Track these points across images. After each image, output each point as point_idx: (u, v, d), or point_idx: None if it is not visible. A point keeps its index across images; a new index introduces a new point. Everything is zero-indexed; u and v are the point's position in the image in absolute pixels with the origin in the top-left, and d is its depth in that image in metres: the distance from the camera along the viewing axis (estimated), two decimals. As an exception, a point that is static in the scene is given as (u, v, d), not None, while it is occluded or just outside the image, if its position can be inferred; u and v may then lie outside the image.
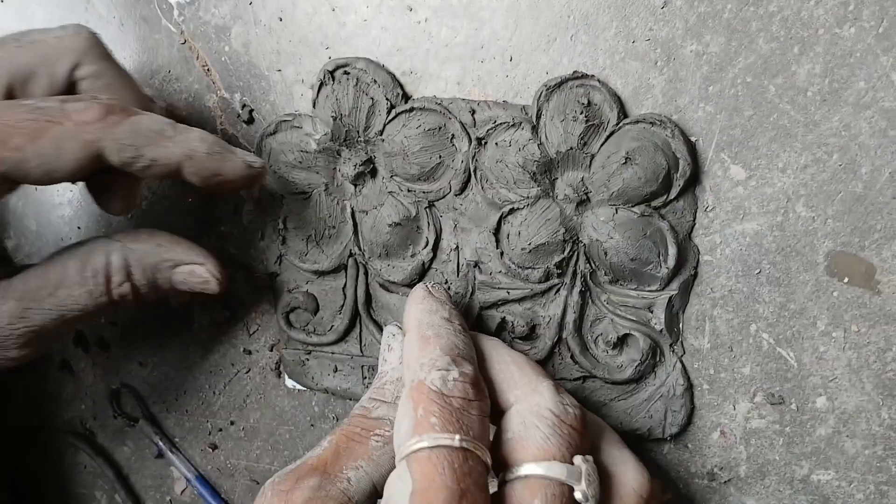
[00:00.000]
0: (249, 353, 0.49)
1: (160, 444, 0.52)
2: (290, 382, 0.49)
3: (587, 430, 0.34)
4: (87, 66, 0.39)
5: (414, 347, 0.35)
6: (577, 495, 0.32)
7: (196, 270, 0.41)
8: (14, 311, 0.38)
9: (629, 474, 0.35)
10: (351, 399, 0.48)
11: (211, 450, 0.52)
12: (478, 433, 0.32)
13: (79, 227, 0.50)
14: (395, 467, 0.32)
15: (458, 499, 0.30)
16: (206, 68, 0.47)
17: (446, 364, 0.34)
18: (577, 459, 0.32)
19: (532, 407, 0.34)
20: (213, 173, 0.38)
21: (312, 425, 0.49)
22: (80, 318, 0.40)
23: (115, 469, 0.54)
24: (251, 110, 0.47)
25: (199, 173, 0.38)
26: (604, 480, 0.34)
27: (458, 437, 0.31)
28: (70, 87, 0.39)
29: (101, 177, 0.39)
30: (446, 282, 0.44)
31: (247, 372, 0.50)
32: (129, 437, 0.53)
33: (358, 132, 0.44)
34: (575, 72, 0.41)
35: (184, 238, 0.42)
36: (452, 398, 0.32)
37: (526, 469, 0.32)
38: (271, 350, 0.49)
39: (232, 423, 0.51)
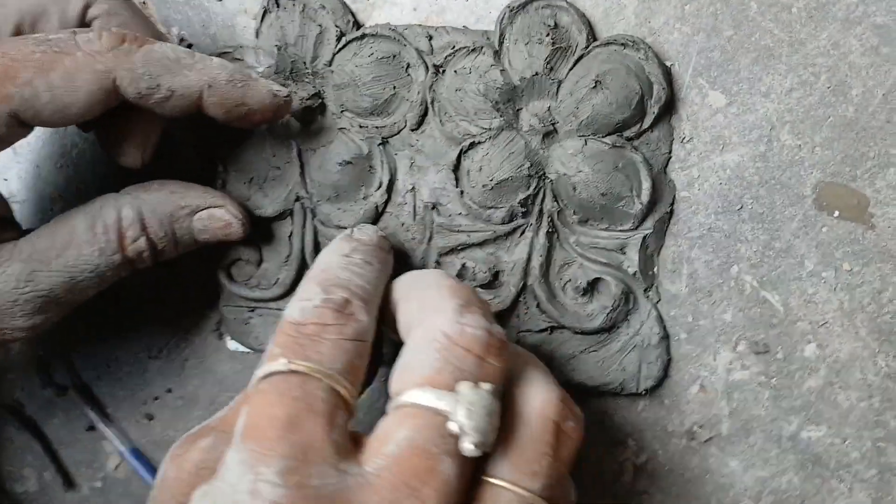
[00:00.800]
0: (187, 312, 0.45)
1: (91, 414, 0.47)
2: (231, 344, 0.44)
3: (496, 355, 0.29)
4: (100, 4, 0.36)
5: (300, 286, 0.32)
6: (451, 426, 0.27)
7: (216, 213, 0.38)
8: (20, 274, 0.35)
9: (534, 395, 0.30)
10: (298, 360, 0.44)
11: (147, 420, 0.47)
12: (329, 358, 0.28)
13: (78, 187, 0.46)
14: None
15: (285, 426, 0.26)
16: (142, 1, 0.43)
17: (311, 294, 0.30)
18: (462, 386, 0.28)
19: (426, 330, 0.30)
20: (236, 103, 0.35)
21: (257, 391, 0.45)
22: (93, 282, 0.37)
23: (45, 443, 0.49)
24: (189, 45, 0.43)
25: (221, 103, 0.35)
26: (509, 409, 0.29)
27: (284, 360, 0.28)
28: (83, 27, 0.37)
29: (114, 124, 0.36)
30: (402, 224, 0.41)
31: (185, 333, 0.45)
32: (58, 409, 0.49)
33: (305, 63, 0.40)
34: (540, -9, 0.38)
35: (195, 183, 0.39)
36: (305, 325, 0.29)
37: (400, 398, 0.28)
38: (211, 308, 0.45)
39: (169, 390, 0.46)
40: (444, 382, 0.28)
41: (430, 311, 0.31)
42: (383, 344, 0.37)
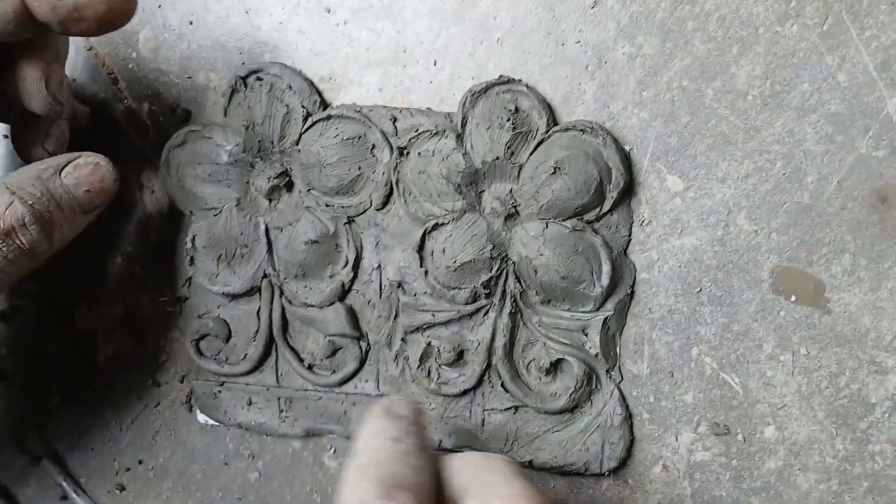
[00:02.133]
0: (158, 385, 0.45)
1: (64, 484, 0.47)
2: (201, 417, 0.45)
3: None
4: None
5: (349, 480, 0.29)
6: None
7: (79, 162, 0.38)
8: None
9: None
10: (267, 434, 0.44)
11: (118, 491, 0.47)
12: None
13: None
14: None
15: None
16: (113, 76, 0.44)
17: (375, 499, 0.28)
18: None
19: None
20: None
21: (226, 464, 0.45)
22: None
23: (17, 513, 0.49)
24: (160, 118, 0.43)
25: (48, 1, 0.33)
26: None
27: None
28: None
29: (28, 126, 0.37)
30: (369, 302, 0.41)
31: (156, 406, 0.45)
32: (32, 478, 0.49)
33: (272, 142, 0.41)
34: (501, 76, 0.39)
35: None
36: None
37: None
38: (182, 382, 0.45)
39: (140, 461, 0.46)
40: None
41: None
42: None
